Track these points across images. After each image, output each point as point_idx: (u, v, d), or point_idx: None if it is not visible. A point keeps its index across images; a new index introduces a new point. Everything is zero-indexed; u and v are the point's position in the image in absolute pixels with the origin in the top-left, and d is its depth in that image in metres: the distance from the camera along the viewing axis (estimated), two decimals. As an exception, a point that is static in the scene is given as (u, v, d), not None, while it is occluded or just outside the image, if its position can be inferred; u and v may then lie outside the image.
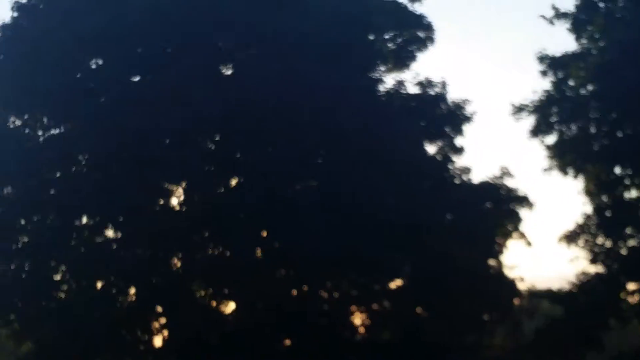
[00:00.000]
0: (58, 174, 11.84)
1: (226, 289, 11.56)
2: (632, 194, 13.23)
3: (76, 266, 11.35)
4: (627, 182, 12.86)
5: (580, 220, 12.81)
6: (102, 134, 10.91)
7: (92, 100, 11.56)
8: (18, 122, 12.23)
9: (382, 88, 12.71)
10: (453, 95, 12.63)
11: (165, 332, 11.53)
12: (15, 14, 12.47)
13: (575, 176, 12.97)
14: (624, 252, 12.53)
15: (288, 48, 11.42)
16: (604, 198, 12.66)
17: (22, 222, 11.65)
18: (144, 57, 11.78)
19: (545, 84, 13.32)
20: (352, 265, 10.94)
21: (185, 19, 11.42)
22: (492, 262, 12.27)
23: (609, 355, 12.23)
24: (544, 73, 13.41)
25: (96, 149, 11.18)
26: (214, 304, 11.55)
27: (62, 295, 11.59)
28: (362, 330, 11.87)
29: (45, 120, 12.11)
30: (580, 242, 12.61)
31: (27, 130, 12.26)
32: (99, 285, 11.44)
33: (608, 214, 12.61)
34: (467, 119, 12.46)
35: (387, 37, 12.73)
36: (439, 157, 12.46)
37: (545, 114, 12.82)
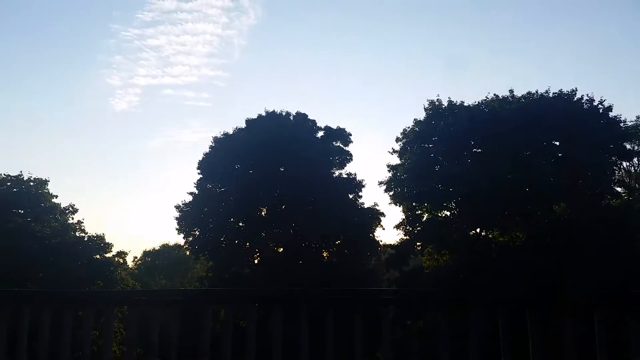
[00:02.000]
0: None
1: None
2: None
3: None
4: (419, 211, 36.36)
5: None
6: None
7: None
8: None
9: (335, 174, 36.60)
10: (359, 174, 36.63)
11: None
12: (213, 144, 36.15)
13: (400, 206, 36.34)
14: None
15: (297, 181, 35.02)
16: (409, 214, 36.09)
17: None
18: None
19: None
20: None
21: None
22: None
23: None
24: (392, 168, 37.14)
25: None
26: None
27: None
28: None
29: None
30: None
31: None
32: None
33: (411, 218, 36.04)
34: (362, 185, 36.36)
35: (337, 159, 36.53)
36: (351, 196, 36.19)
37: (388, 187, 36.03)
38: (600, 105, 32.37)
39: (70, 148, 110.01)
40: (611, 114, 32.31)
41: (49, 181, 36.45)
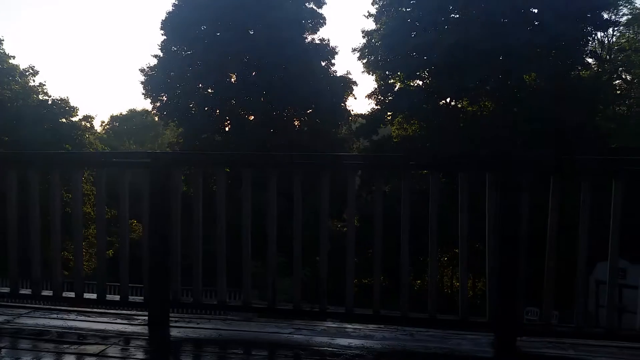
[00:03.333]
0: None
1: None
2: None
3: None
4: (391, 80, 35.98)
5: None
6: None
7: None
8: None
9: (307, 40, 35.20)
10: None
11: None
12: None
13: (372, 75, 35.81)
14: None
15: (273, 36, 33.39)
16: (382, 83, 35.81)
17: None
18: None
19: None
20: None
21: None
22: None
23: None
24: (367, 34, 35.81)
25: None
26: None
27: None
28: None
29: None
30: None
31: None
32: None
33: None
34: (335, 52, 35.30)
35: (309, 22, 34.84)
36: (324, 63, 35.34)
37: (362, 55, 35.07)
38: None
39: (26, 3, 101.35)
40: (594, -20, 31.07)
41: (3, 40, 34.11)
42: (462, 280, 3.84)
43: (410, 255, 3.75)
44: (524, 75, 31.61)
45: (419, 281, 27.73)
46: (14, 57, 34.55)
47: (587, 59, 32.93)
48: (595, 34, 34.13)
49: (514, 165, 3.45)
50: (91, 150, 33.96)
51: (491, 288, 3.59)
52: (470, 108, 33.27)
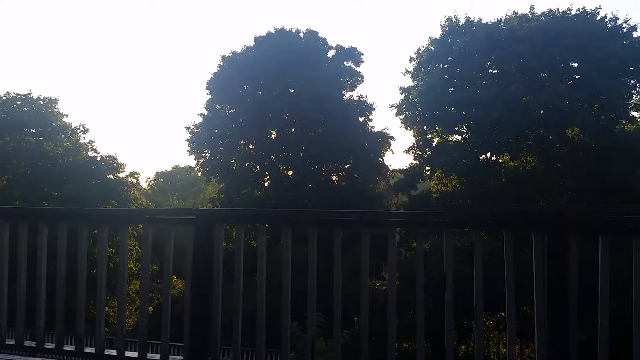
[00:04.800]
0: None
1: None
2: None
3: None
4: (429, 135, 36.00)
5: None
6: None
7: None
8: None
9: (346, 97, 36.02)
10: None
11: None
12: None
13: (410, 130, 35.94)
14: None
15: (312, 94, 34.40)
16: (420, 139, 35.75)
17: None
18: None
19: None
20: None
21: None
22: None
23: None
24: (404, 91, 36.33)
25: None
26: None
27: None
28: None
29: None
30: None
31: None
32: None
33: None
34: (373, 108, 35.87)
35: (348, 80, 35.80)
36: (361, 119, 35.86)
37: (399, 111, 35.54)
38: (624, 24, 30.91)
39: (79, 66, 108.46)
40: (635, 34, 30.93)
41: (58, 100, 36.35)
42: (510, 349, 3.64)
43: (455, 317, 3.61)
44: (567, 130, 31.11)
45: (463, 347, 26.44)
46: (66, 116, 36.72)
47: (631, 113, 32.19)
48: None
49: (564, 225, 3.33)
50: (136, 205, 35.01)
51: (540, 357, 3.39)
52: (511, 163, 32.77)
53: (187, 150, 35.69)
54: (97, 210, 7.54)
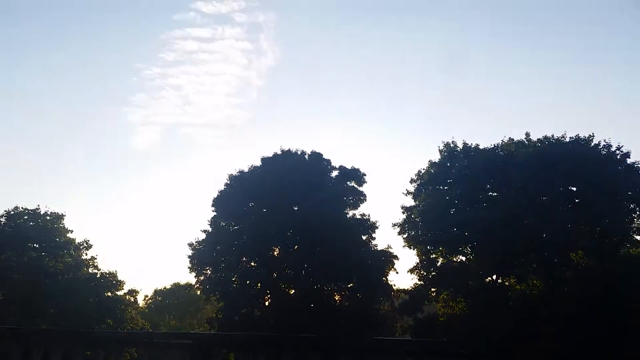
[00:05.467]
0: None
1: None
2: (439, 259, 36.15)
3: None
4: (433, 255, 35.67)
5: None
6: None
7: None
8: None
9: (349, 215, 36.39)
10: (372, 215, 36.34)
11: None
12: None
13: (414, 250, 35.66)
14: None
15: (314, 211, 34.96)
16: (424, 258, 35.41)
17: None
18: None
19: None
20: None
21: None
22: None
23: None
24: (406, 210, 36.73)
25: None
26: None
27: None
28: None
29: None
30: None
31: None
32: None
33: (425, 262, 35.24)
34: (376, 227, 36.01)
35: (351, 199, 36.48)
36: (364, 237, 35.80)
37: (402, 230, 35.64)
38: (617, 152, 32.13)
39: (88, 183, 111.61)
40: (629, 161, 32.04)
41: (65, 216, 36.91)
42: None
43: None
44: (571, 254, 30.92)
45: None
46: (71, 231, 37.08)
47: (635, 236, 32.17)
48: (640, 211, 33.89)
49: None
50: (132, 326, 33.86)
51: None
52: (518, 286, 32.08)
53: (188, 267, 35.30)
54: (93, 332, 7.32)
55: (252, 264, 35.34)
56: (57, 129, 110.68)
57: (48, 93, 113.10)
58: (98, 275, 35.59)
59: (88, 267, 36.41)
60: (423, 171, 35.21)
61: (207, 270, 35.14)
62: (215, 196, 36.52)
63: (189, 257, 35.34)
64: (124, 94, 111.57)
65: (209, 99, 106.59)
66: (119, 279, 35.44)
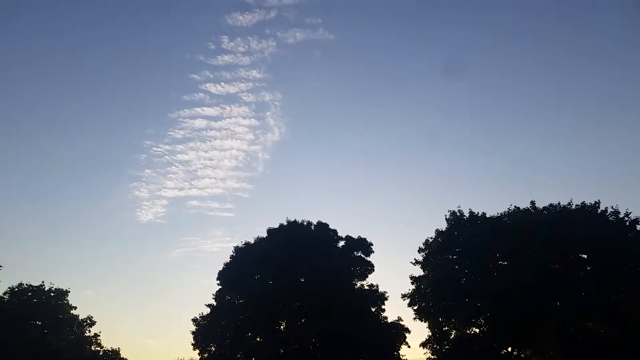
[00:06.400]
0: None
1: None
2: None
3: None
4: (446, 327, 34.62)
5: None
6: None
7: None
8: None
9: (357, 286, 35.73)
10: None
11: None
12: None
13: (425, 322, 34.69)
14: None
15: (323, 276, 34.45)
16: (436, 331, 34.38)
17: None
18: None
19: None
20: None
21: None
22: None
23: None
24: (415, 280, 36.05)
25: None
26: None
27: None
28: None
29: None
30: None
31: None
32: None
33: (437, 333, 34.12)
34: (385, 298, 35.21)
35: (358, 269, 35.97)
36: (374, 309, 34.92)
37: (412, 301, 34.83)
38: (626, 218, 31.83)
39: (93, 258, 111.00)
40: (639, 227, 31.62)
41: (69, 292, 36.48)
42: None
43: None
44: (587, 322, 29.97)
45: None
46: (75, 308, 36.48)
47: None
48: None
49: None
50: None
51: None
52: (535, 359, 30.88)
53: (192, 344, 34.28)
54: None
55: (258, 339, 34.35)
56: (63, 205, 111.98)
57: (56, 170, 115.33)
58: (101, 353, 34.65)
59: (91, 344, 35.57)
60: (431, 240, 34.92)
61: (211, 346, 34.11)
62: (221, 269, 36.12)
63: (193, 333, 34.46)
64: (133, 171, 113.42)
65: (215, 173, 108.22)
66: (122, 356, 34.42)
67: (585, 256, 31.70)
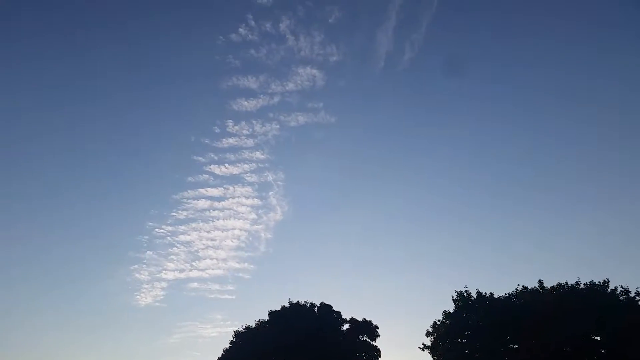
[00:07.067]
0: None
1: None
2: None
3: None
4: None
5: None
6: None
7: None
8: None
9: None
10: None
11: None
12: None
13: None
14: None
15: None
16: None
17: None
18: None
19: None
20: None
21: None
22: None
23: None
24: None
25: None
26: None
27: None
28: None
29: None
30: None
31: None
32: None
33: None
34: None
35: (364, 355, 34.47)
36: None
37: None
38: (637, 297, 31.11)
39: (89, 344, 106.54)
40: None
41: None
42: None
43: None
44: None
45: None
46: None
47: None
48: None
49: None
50: None
51: None
52: None
53: None
54: None
55: None
56: (61, 285, 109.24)
57: (57, 256, 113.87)
58: None
59: None
60: (439, 323, 33.86)
61: None
62: (220, 355, 34.68)
63: None
64: (134, 253, 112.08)
65: (217, 253, 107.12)
66: None
67: (599, 338, 30.62)
